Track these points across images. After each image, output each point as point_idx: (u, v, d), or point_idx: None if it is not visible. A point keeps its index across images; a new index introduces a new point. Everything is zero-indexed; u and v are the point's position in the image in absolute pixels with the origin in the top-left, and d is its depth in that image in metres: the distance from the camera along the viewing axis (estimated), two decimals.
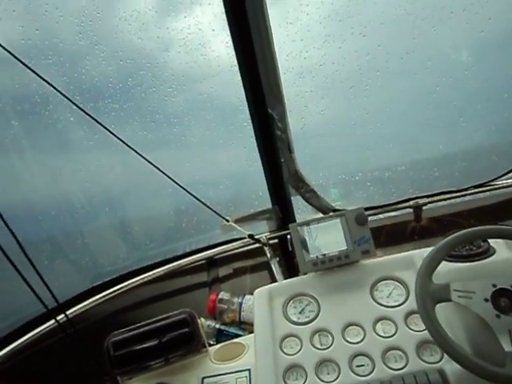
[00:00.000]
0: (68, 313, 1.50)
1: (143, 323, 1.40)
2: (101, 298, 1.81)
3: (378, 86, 1.71)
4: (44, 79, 1.30)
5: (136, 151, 1.57)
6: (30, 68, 1.27)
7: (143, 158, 1.59)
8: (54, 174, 1.78)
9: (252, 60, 1.50)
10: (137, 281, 1.91)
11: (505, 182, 1.99)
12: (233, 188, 2.05)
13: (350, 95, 1.72)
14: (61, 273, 1.86)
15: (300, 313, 1.40)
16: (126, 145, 1.53)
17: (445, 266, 1.23)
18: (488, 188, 1.99)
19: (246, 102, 1.62)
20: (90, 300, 1.81)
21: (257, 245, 2.00)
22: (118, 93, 1.58)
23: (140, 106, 1.67)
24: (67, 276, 1.90)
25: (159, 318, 1.40)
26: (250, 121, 1.67)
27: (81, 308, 1.78)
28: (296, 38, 1.55)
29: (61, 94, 1.34)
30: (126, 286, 1.89)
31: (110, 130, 1.49)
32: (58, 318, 1.42)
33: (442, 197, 1.99)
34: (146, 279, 1.93)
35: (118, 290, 1.87)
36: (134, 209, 2.00)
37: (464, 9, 1.49)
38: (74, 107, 1.41)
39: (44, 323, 1.74)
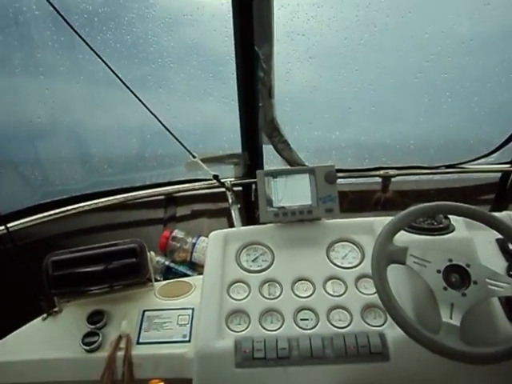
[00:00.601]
0: (9, 226, 1.39)
1: (88, 247, 1.33)
2: (47, 216, 1.70)
3: (373, 45, 1.62)
4: None
5: (107, 64, 1.43)
6: None
7: (112, 70, 1.45)
8: (15, 88, 1.61)
9: None
10: (88, 205, 1.81)
11: (476, 166, 2.01)
12: (205, 127, 1.95)
13: (343, 49, 1.62)
14: (7, 185, 1.73)
15: (253, 261, 1.39)
16: (97, 55, 1.38)
17: (404, 236, 1.25)
18: (458, 170, 2.01)
19: (232, 46, 1.51)
20: (35, 217, 1.70)
21: (220, 189, 1.94)
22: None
23: (118, 17, 1.51)
24: (14, 188, 1.77)
25: (106, 243, 1.34)
26: (233, 64, 1.56)
27: (24, 223, 1.67)
28: None
29: None
30: (75, 208, 1.78)
31: (85, 39, 1.33)
32: None
33: (412, 171, 1.99)
34: (98, 205, 1.83)
35: (66, 211, 1.75)
36: (96, 130, 1.87)
37: None
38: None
39: None
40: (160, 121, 1.63)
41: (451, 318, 1.00)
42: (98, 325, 1.29)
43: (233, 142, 1.88)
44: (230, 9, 1.43)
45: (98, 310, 1.33)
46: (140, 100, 1.58)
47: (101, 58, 1.43)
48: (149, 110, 1.61)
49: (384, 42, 1.59)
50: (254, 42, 1.51)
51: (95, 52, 1.39)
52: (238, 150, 1.90)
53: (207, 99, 1.78)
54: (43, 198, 1.75)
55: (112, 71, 1.48)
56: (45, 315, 1.35)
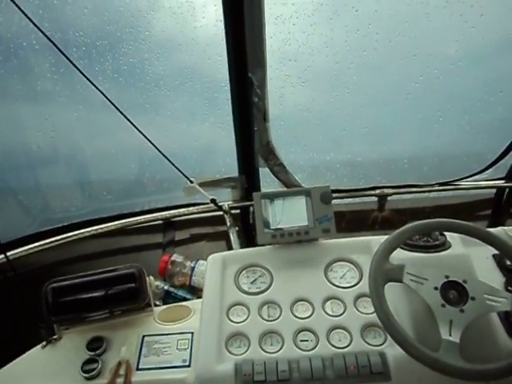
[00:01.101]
0: (9, 254, 1.40)
1: (87, 273, 1.34)
2: (47, 244, 1.71)
3: (363, 68, 1.67)
4: None
5: (102, 93, 1.47)
6: None
7: (109, 101, 1.49)
8: (15, 117, 1.65)
9: (239, 17, 1.43)
10: (88, 232, 1.82)
11: (469, 183, 2.04)
12: (201, 152, 1.98)
13: (334, 73, 1.67)
14: (6, 212, 1.75)
15: (252, 283, 1.39)
16: (92, 83, 1.43)
17: (401, 254, 1.27)
18: (452, 187, 2.03)
19: (226, 72, 1.55)
20: (35, 244, 1.71)
21: (217, 213, 1.96)
22: (92, 28, 1.46)
23: (114, 48, 1.55)
24: (14, 216, 1.78)
25: (105, 269, 1.35)
26: (228, 90, 1.60)
27: (24, 251, 1.68)
28: (287, 2, 1.48)
29: (24, 13, 1.21)
30: (75, 235, 1.80)
31: (78, 66, 1.38)
32: None
33: (407, 189, 2.01)
34: (97, 231, 1.85)
35: (66, 238, 1.77)
36: (96, 158, 1.90)
37: (459, 0, 1.46)
38: (40, 35, 1.28)
39: None
40: (156, 147, 1.66)
41: (450, 334, 1.00)
42: (97, 351, 1.29)
43: (229, 166, 1.90)
44: (224, 37, 1.48)
45: (98, 337, 1.33)
46: (136, 128, 1.61)
47: (96, 87, 1.47)
48: (145, 136, 1.64)
49: (373, 64, 1.64)
50: (247, 68, 1.55)
51: (92, 83, 1.44)
52: (235, 173, 1.93)
53: (203, 125, 1.82)
54: (43, 225, 1.76)
55: (108, 100, 1.52)
56: (44, 343, 1.34)
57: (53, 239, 1.73)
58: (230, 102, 1.64)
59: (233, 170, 1.90)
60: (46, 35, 1.29)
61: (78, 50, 1.47)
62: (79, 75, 1.41)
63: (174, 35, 1.57)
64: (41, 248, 1.69)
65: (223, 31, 1.45)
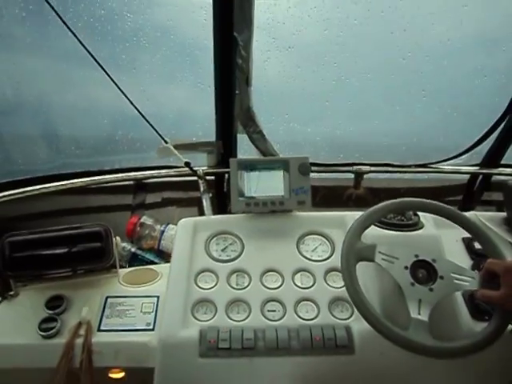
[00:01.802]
0: None
1: (50, 228, 1.28)
2: (7, 196, 1.60)
3: (352, 38, 1.61)
4: None
5: (79, 39, 1.36)
6: None
7: (86, 49, 1.39)
8: None
9: None
10: (52, 187, 1.71)
11: (445, 167, 2.05)
12: (178, 113, 1.89)
13: (322, 41, 1.61)
14: None
15: (222, 250, 1.37)
16: (69, 29, 1.32)
17: (374, 231, 1.27)
18: (429, 170, 2.04)
19: (210, 29, 1.47)
20: None
21: (191, 178, 1.89)
22: None
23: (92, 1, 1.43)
24: None
25: (70, 226, 1.29)
26: (210, 49, 1.52)
27: None
28: None
29: None
30: (39, 189, 1.68)
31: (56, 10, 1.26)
32: None
33: (384, 168, 2.01)
34: (63, 188, 1.74)
35: (29, 191, 1.66)
36: (65, 111, 1.77)
37: None
38: None
39: None
40: (133, 103, 1.58)
41: (419, 313, 1.01)
42: (56, 310, 1.24)
43: (207, 130, 1.83)
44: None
45: (58, 295, 1.28)
46: (113, 81, 1.51)
47: (73, 33, 1.36)
48: (122, 91, 1.55)
49: (363, 35, 1.58)
50: (233, 27, 1.48)
51: (67, 25, 1.33)
52: (212, 138, 1.86)
53: (183, 84, 1.72)
54: (3, 176, 1.65)
55: (85, 48, 1.41)
56: None
57: (14, 191, 1.62)
58: (212, 61, 1.55)
59: (210, 135, 1.84)
60: None
61: None
62: (51, 16, 1.29)
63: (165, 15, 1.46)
64: (1, 200, 1.59)
65: None
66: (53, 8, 1.28)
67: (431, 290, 1.04)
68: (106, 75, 1.48)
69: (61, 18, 1.31)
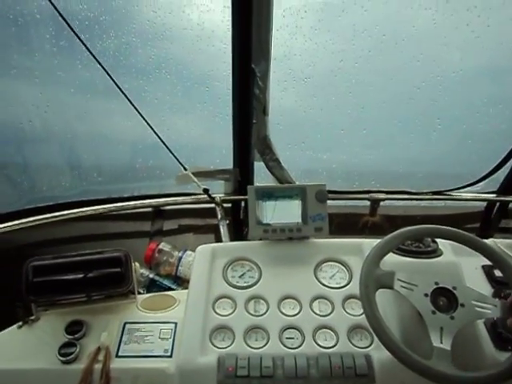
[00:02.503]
0: None
1: (72, 254, 1.29)
2: (31, 222, 1.65)
3: (367, 68, 1.66)
4: None
5: (106, 71, 1.43)
6: None
7: (113, 80, 1.45)
8: (7, 89, 1.59)
9: (247, 7, 1.40)
10: (74, 213, 1.76)
11: (461, 194, 2.05)
12: (197, 142, 1.94)
13: (338, 71, 1.65)
14: None
15: (240, 277, 1.37)
16: (97, 61, 1.38)
17: (392, 258, 1.27)
18: (445, 197, 2.04)
19: (229, 61, 1.53)
20: (18, 221, 1.64)
21: (208, 205, 1.93)
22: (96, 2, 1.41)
23: (116, 32, 1.51)
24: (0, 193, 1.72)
25: (91, 251, 1.30)
26: (229, 80, 1.57)
27: (7, 227, 1.61)
28: None
29: None
30: (61, 215, 1.73)
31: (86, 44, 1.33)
32: None
33: (400, 196, 2.01)
34: (84, 214, 1.79)
35: (51, 217, 1.70)
36: (89, 139, 1.84)
37: (468, 9, 1.46)
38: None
39: None
40: (155, 131, 1.63)
41: (441, 342, 0.99)
42: (76, 335, 1.25)
43: (224, 158, 1.87)
44: (230, 26, 1.46)
45: (77, 320, 1.29)
46: (136, 109, 1.57)
47: (100, 64, 1.43)
48: (144, 119, 1.60)
49: (377, 66, 1.63)
50: (251, 59, 1.53)
51: (94, 57, 1.39)
52: (230, 166, 1.90)
53: (202, 114, 1.79)
54: (29, 203, 1.71)
55: (111, 78, 1.47)
56: (20, 323, 1.30)
57: (37, 217, 1.67)
58: (230, 91, 1.61)
59: (228, 162, 1.88)
60: (51, 2, 1.24)
61: (81, 24, 1.42)
62: (79, 50, 1.36)
63: (179, 18, 1.54)
64: (25, 226, 1.63)
65: (230, 18, 1.42)
66: (82, 41, 1.35)
67: (452, 318, 1.02)
68: (130, 104, 1.54)
69: (89, 50, 1.38)
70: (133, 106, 1.54)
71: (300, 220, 1.43)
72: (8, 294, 1.24)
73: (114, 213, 1.90)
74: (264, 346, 1.18)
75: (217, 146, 1.91)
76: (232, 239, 1.82)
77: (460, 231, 1.16)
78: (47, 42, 1.48)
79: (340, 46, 1.57)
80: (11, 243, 1.68)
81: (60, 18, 1.25)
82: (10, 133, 1.71)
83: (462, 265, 1.28)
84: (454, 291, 1.06)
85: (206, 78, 1.69)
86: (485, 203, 2.15)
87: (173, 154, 1.71)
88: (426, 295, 1.06)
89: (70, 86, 1.64)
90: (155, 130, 1.62)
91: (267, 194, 1.45)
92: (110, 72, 1.48)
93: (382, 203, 2.02)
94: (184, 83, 1.71)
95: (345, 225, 2.06)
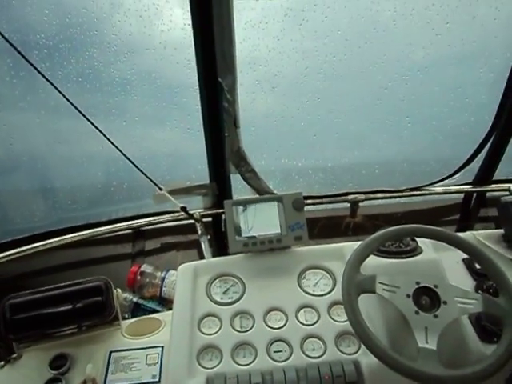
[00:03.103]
0: None
1: (49, 287, 1.27)
2: (7, 256, 1.61)
3: (333, 74, 1.68)
4: None
5: (67, 98, 1.41)
6: None
7: (74, 107, 1.43)
8: None
9: (208, 22, 1.41)
10: (52, 243, 1.73)
11: (438, 188, 2.07)
12: (171, 158, 1.93)
13: (304, 78, 1.66)
14: None
15: (224, 293, 1.36)
16: (56, 88, 1.36)
17: (373, 260, 1.27)
18: (423, 192, 2.06)
19: (195, 77, 1.53)
20: None
21: (188, 221, 1.91)
22: (54, 30, 1.39)
23: (78, 52, 1.49)
24: None
25: (69, 283, 1.28)
26: (197, 97, 1.57)
27: None
28: (257, 7, 1.47)
29: None
30: (38, 246, 1.70)
31: (39, 69, 1.32)
32: None
33: (379, 195, 2.03)
34: (62, 243, 1.75)
35: (28, 249, 1.67)
36: (59, 165, 1.82)
37: (426, 8, 1.49)
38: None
39: None
40: (124, 154, 1.61)
41: (427, 342, 1.00)
42: (61, 370, 1.23)
43: (200, 173, 1.86)
44: (192, 41, 1.45)
45: (61, 354, 1.27)
46: (103, 134, 1.55)
47: (60, 92, 1.41)
48: (112, 143, 1.58)
49: (343, 70, 1.64)
50: (217, 73, 1.53)
51: (55, 86, 1.38)
52: (206, 180, 1.89)
53: (173, 130, 1.77)
54: (3, 237, 1.67)
55: (72, 105, 1.45)
56: (2, 363, 1.27)
57: (14, 251, 1.63)
58: (199, 107, 1.60)
59: (204, 177, 1.87)
60: (4, 37, 1.22)
61: (40, 53, 1.40)
62: (41, 79, 1.34)
63: (140, 39, 1.53)
64: (2, 260, 1.59)
65: (191, 35, 1.42)
66: (40, 73, 1.33)
67: (436, 316, 1.03)
68: (95, 129, 1.52)
69: (48, 80, 1.37)
70: (99, 131, 1.52)
71: (279, 230, 1.43)
72: None
73: (94, 238, 1.87)
74: (252, 361, 1.17)
75: (191, 161, 1.90)
76: (215, 254, 1.81)
77: (433, 228, 1.16)
78: (6, 74, 1.45)
79: (304, 53, 1.58)
80: None
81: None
82: None
83: (442, 260, 1.29)
84: (436, 289, 1.06)
85: (173, 96, 1.68)
86: (462, 195, 2.18)
87: (145, 174, 1.69)
88: (408, 296, 1.06)
89: (35, 113, 1.61)
90: (125, 151, 1.60)
91: (244, 207, 1.45)
92: (75, 97, 1.46)
93: (361, 204, 2.03)
94: (151, 102, 1.70)
95: (328, 228, 2.07)
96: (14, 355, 1.28)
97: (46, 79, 1.36)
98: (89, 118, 1.47)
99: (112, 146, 1.60)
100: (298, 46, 1.56)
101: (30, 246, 1.69)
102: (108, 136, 1.54)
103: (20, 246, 1.67)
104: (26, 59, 1.25)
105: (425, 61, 1.65)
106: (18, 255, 1.65)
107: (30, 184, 1.83)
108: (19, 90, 1.51)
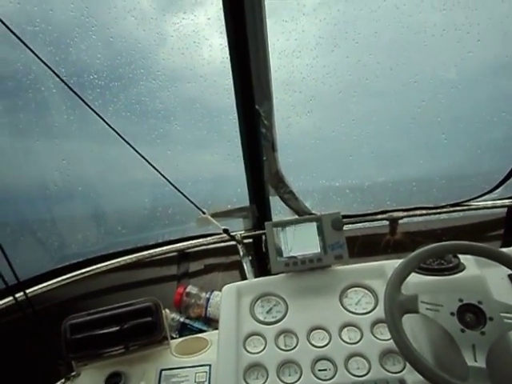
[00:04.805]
0: (28, 291, 1.43)
1: (104, 308, 1.36)
2: (64, 280, 1.75)
3: (366, 95, 1.72)
4: (25, 44, 1.24)
5: (116, 131, 1.53)
6: (12, 31, 1.22)
7: (123, 139, 1.55)
8: (30, 153, 1.71)
9: (244, 53, 1.49)
10: (103, 266, 1.85)
11: (480, 203, 2.04)
12: (212, 183, 2.02)
13: (338, 101, 1.72)
14: (25, 250, 1.79)
15: (267, 312, 1.39)
16: (107, 124, 1.49)
17: (415, 278, 1.26)
18: (463, 208, 2.03)
19: (233, 105, 1.61)
20: (53, 281, 1.74)
21: (230, 242, 1.98)
22: (105, 71, 1.54)
23: (127, 89, 1.63)
24: (32, 254, 1.82)
25: (122, 304, 1.36)
26: (236, 122, 1.66)
27: (42, 288, 1.71)
28: (290, 37, 1.55)
29: (42, 61, 1.28)
30: (91, 270, 1.83)
31: (92, 107, 1.44)
32: (17, 295, 1.35)
33: (418, 212, 2.02)
34: (113, 266, 1.88)
35: (82, 273, 1.80)
36: (110, 193, 1.95)
37: (456, 28, 1.52)
38: (57, 80, 1.35)
39: (1, 299, 1.67)
40: (169, 180, 1.71)
41: (476, 360, 0.97)
42: None
43: (240, 196, 1.93)
44: (230, 72, 1.54)
45: (116, 372, 1.34)
46: (149, 162, 1.66)
47: (110, 127, 1.53)
48: (157, 170, 1.69)
49: (376, 92, 1.69)
50: (254, 101, 1.61)
51: (106, 122, 1.50)
52: (246, 202, 1.95)
53: (214, 156, 1.87)
54: (60, 261, 1.80)
55: (121, 138, 1.57)
56: (63, 380, 1.35)
57: (69, 275, 1.77)
58: (238, 133, 1.68)
59: (244, 199, 1.93)
60: (62, 80, 1.35)
61: (93, 92, 1.54)
62: (94, 115, 1.47)
63: (182, 72, 1.64)
64: (58, 284, 1.72)
65: (229, 66, 1.51)
66: (95, 111, 1.46)
67: (483, 333, 1.01)
68: (143, 158, 1.62)
69: (101, 117, 1.49)
70: (144, 159, 1.64)
71: (319, 250, 1.46)
72: (50, 352, 1.30)
73: (142, 261, 1.97)
74: (297, 380, 1.19)
75: (232, 185, 1.98)
76: (256, 274, 1.86)
77: (475, 244, 1.14)
78: (64, 112, 1.60)
79: (337, 78, 1.63)
80: (48, 302, 1.76)
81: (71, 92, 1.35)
82: (38, 195, 1.82)
83: (486, 276, 1.26)
84: (481, 306, 1.05)
85: (213, 124, 1.78)
86: (505, 209, 2.13)
87: (189, 199, 1.78)
88: (453, 314, 1.04)
89: (88, 146, 1.75)
90: (170, 178, 1.70)
91: (285, 228, 1.49)
92: (125, 129, 1.58)
93: (401, 221, 2.02)
94: (194, 131, 1.80)
95: (367, 246, 2.07)
96: (73, 373, 1.36)
97: (98, 115, 1.48)
98: (135, 148, 1.58)
99: (158, 174, 1.70)
100: (331, 71, 1.62)
101: (83, 270, 1.82)
102: (154, 164, 1.64)
103: (75, 270, 1.79)
104: (81, 99, 1.38)
105: (458, 78, 1.67)
106: (73, 279, 1.77)
107: (84, 211, 1.97)
108: (75, 125, 1.65)
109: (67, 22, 1.45)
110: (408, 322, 1.07)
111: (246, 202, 1.96)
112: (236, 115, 1.66)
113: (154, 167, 1.68)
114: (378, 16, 1.58)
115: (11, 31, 1.24)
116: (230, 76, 1.55)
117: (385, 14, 1.58)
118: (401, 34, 1.56)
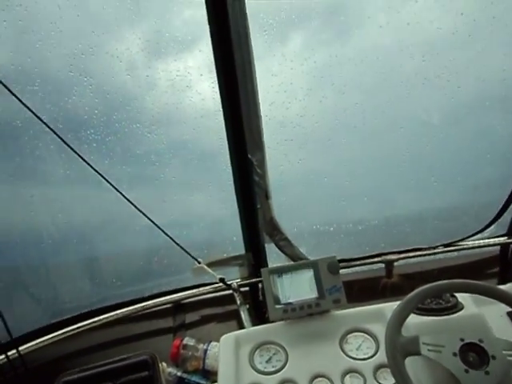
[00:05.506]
0: (21, 349, 1.39)
1: (100, 363, 1.32)
2: (58, 335, 1.69)
3: (355, 141, 1.80)
4: (23, 103, 1.30)
5: (111, 184, 1.56)
6: (10, 91, 1.27)
7: (118, 191, 1.58)
8: (25, 202, 1.73)
9: (236, 106, 1.57)
10: (98, 321, 1.81)
11: (473, 242, 2.06)
12: (207, 231, 2.03)
13: (328, 148, 1.78)
14: (18, 306, 1.76)
15: (267, 362, 1.36)
16: (102, 177, 1.53)
17: (414, 319, 1.25)
18: (457, 248, 2.05)
19: (226, 146, 1.67)
20: (46, 337, 1.69)
21: (227, 291, 1.95)
22: (102, 125, 1.60)
23: (122, 140, 1.68)
24: (25, 310, 1.78)
25: (117, 358, 1.33)
26: (229, 164, 1.71)
27: (35, 345, 1.65)
28: (279, 90, 1.64)
29: (39, 119, 1.34)
30: (85, 325, 1.78)
31: (87, 160, 1.49)
32: (10, 353, 1.32)
33: (412, 254, 2.03)
34: (107, 320, 1.83)
35: (76, 329, 1.75)
36: (104, 244, 1.95)
37: (437, 76, 1.62)
38: (55, 136, 1.40)
39: None
40: (164, 231, 1.73)
41: None
42: None
43: (236, 244, 1.94)
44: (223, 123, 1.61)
45: None
46: (145, 215, 1.69)
47: (109, 183, 1.57)
48: (157, 225, 1.72)
49: (365, 138, 1.76)
50: (247, 151, 1.67)
51: (106, 179, 1.54)
52: (242, 250, 1.96)
53: (209, 207, 1.90)
54: (54, 316, 1.76)
55: (120, 193, 1.61)
56: None
57: (63, 331, 1.72)
58: (232, 183, 1.72)
59: (239, 248, 1.94)
60: (60, 138, 1.40)
61: (90, 147, 1.59)
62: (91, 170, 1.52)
63: (174, 129, 1.70)
64: (52, 341, 1.67)
65: (222, 115, 1.57)
66: (97, 172, 1.50)
67: (487, 373, 0.99)
68: (140, 212, 1.65)
69: (102, 176, 1.53)
70: (142, 213, 1.67)
71: (317, 294, 1.45)
72: None
73: (136, 314, 1.93)
74: None
75: (227, 233, 1.99)
76: (254, 322, 1.82)
77: (472, 282, 1.15)
78: (61, 168, 1.64)
79: (326, 126, 1.71)
80: (42, 359, 1.71)
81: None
82: (31, 250, 1.82)
83: (486, 314, 1.26)
84: (482, 344, 1.04)
85: (205, 174, 1.83)
86: (499, 247, 2.15)
87: (184, 250, 1.79)
88: (455, 354, 1.03)
89: (85, 194, 1.77)
90: (165, 230, 1.71)
91: (281, 274, 1.49)
92: (122, 182, 1.63)
93: (397, 263, 2.03)
94: (189, 182, 1.85)
95: (365, 290, 2.05)
96: None
97: (101, 176, 1.53)
98: (133, 202, 1.61)
99: (154, 226, 1.72)
100: (320, 120, 1.70)
101: (78, 325, 1.77)
102: (150, 217, 1.67)
103: (69, 326, 1.75)
104: (78, 155, 1.43)
105: (441, 123, 1.75)
106: (67, 335, 1.73)
107: (77, 265, 1.95)
108: (71, 177, 1.69)
109: (65, 81, 1.52)
110: (410, 364, 1.05)
111: (241, 250, 1.96)
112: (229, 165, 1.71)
113: (149, 219, 1.70)
114: (361, 66, 1.68)
115: (13, 94, 1.30)
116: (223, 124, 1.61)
117: (369, 64, 1.68)
118: (383, 84, 1.65)
